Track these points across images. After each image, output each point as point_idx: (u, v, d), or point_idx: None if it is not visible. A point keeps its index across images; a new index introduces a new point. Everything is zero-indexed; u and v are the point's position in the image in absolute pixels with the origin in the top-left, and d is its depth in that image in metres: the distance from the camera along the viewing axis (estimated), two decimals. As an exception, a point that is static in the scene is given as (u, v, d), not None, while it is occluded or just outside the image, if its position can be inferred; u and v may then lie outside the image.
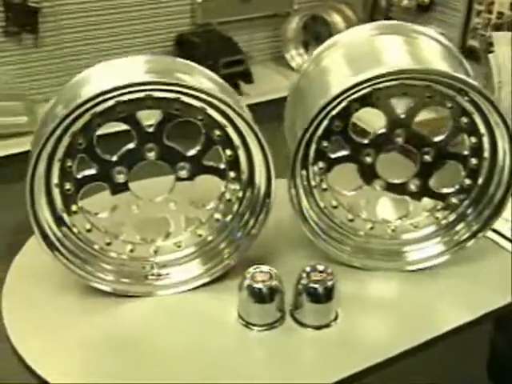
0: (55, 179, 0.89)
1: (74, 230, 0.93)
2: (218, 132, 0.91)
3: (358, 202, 1.03)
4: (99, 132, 0.89)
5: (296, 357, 0.89)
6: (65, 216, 0.92)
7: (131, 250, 0.97)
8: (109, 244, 0.96)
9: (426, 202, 1.03)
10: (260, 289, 0.90)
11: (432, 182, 1.01)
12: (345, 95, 0.91)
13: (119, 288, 0.95)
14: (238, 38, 2.65)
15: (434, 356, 0.95)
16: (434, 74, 0.90)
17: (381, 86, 0.92)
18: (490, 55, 1.24)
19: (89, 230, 0.94)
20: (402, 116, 0.95)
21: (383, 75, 0.89)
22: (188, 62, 0.94)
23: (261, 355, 0.90)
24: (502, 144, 0.95)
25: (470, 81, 0.90)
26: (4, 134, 2.23)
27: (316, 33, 2.77)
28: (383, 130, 0.96)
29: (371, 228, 1.03)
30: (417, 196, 1.01)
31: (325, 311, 0.92)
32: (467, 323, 0.94)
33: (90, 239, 0.95)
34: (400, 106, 0.95)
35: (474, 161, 0.99)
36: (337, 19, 2.69)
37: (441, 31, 2.24)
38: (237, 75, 2.51)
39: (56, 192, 0.90)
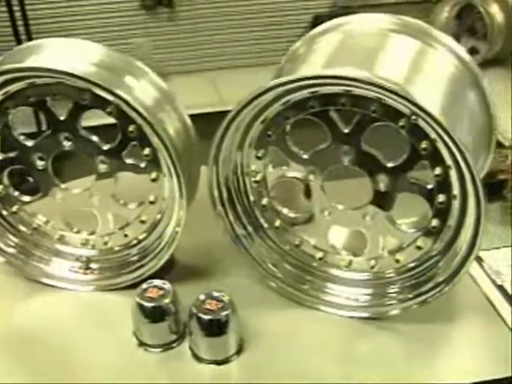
0: (-24, 158, 0.89)
1: (3, 212, 0.92)
2: (131, 128, 0.83)
3: (307, 226, 0.88)
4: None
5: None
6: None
7: (59, 239, 0.94)
8: (36, 229, 0.93)
9: (389, 239, 0.84)
10: (150, 307, 0.81)
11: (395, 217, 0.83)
12: (271, 95, 0.76)
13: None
14: (377, 23, 2.44)
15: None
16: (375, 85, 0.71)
17: (322, 90, 0.77)
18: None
19: (15, 213, 0.93)
20: (346, 131, 0.78)
21: (317, 77, 0.74)
22: (144, 67, 0.86)
23: (140, 378, 0.80)
24: (469, 184, 0.74)
25: (418, 101, 0.70)
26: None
27: (469, 25, 2.46)
28: (324, 146, 0.80)
29: (320, 258, 0.88)
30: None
31: (219, 345, 0.80)
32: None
33: (17, 221, 0.93)
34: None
35: (441, 198, 0.78)
36: (494, 9, 2.36)
37: None
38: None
39: (-22, 171, 0.90)
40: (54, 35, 2.39)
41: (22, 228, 0.93)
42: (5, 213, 0.92)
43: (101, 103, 0.82)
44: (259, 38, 2.60)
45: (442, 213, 0.79)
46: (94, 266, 0.93)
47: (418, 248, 0.82)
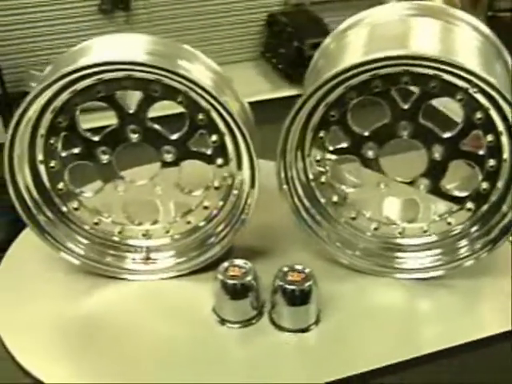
0: (40, 156, 0.90)
1: (63, 208, 0.94)
2: (201, 116, 0.87)
3: (362, 199, 0.94)
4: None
5: (266, 360, 0.83)
6: (52, 194, 0.92)
7: (120, 232, 0.96)
8: (97, 224, 0.95)
9: (439, 205, 0.93)
10: (233, 284, 0.85)
11: (445, 183, 0.91)
12: (335, 81, 0.83)
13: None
14: (330, 19, 2.56)
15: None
16: (435, 61, 0.79)
17: (382, 72, 0.84)
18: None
19: (76, 209, 0.94)
20: (406, 107, 0.86)
21: (381, 59, 0.80)
22: (194, 50, 0.90)
23: (224, 353, 0.85)
24: (521, 145, 0.83)
25: (477, 71, 0.78)
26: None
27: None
28: (384, 122, 0.87)
29: (376, 228, 0.95)
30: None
31: (301, 314, 0.85)
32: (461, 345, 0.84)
33: (78, 218, 0.95)
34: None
35: (491, 162, 0.87)
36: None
37: None
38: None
39: (42, 169, 0.91)
40: (14, 43, 2.35)
41: (84, 225, 0.95)
42: (65, 209, 0.94)
43: (171, 93, 0.85)
44: (215, 38, 2.65)
45: (492, 176, 0.88)
46: (155, 255, 0.96)
47: (468, 210, 0.90)
